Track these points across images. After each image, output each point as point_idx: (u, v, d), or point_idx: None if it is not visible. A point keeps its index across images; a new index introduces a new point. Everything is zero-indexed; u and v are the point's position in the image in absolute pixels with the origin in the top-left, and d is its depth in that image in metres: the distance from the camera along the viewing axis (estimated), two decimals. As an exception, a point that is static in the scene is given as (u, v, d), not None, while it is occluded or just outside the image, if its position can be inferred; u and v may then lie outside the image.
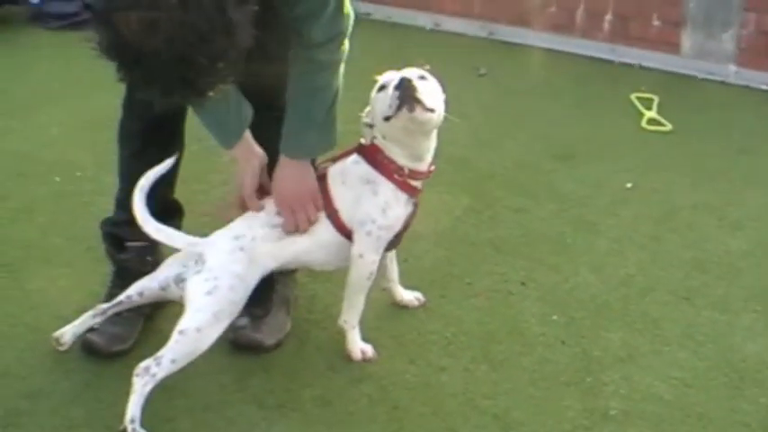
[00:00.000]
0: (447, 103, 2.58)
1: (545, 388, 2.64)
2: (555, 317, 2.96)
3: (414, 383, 2.64)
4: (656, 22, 5.46)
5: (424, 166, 2.62)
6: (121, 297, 2.59)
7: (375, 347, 2.73)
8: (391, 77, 2.53)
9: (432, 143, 2.62)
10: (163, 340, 2.45)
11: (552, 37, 5.75)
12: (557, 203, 3.70)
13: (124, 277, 2.73)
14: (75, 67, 4.97)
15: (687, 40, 5.32)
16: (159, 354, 2.38)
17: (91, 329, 2.64)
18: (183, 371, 2.41)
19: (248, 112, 2.60)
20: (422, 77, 2.54)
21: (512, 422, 2.50)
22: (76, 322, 2.62)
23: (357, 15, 2.57)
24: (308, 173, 2.62)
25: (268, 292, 2.71)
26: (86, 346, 2.66)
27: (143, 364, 2.37)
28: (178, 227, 2.89)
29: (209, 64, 2.06)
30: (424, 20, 6.14)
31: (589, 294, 3.08)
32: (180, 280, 2.51)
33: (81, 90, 4.70)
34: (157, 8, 1.97)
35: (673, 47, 5.37)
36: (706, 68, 5.24)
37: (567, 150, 4.21)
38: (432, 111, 2.49)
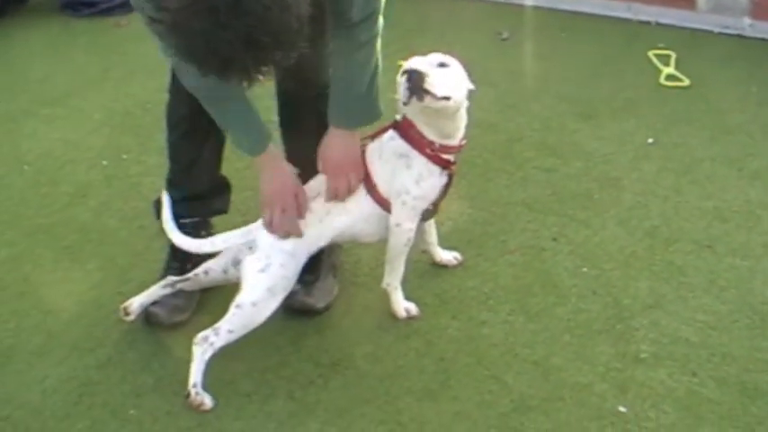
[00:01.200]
0: (473, 81, 2.63)
1: (579, 335, 2.73)
2: (585, 269, 3.04)
3: (457, 337, 2.74)
4: (671, -22, 5.32)
5: (454, 142, 2.69)
6: (190, 274, 2.72)
7: (419, 305, 2.83)
8: (413, 64, 2.55)
9: (460, 123, 2.68)
10: (218, 311, 2.57)
11: (570, -2, 5.68)
12: (583, 161, 3.73)
13: (180, 253, 2.81)
14: (111, 53, 5.02)
15: (702, -5, 5.28)
16: (217, 325, 2.51)
17: (153, 302, 2.76)
18: (241, 337, 2.53)
19: (268, 130, 2.70)
20: (442, 64, 2.58)
21: (550, 368, 2.61)
22: (145, 293, 2.74)
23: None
24: (352, 143, 2.70)
25: (317, 260, 2.79)
26: (149, 318, 2.78)
27: (202, 334, 2.50)
28: (227, 201, 3.03)
29: (273, 41, 2.06)
30: (444, -11, 6.10)
31: (617, 246, 3.15)
32: (237, 262, 2.63)
33: (118, 75, 4.74)
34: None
35: (688, 2, 5.22)
36: (722, 22, 5.11)
37: (590, 110, 4.19)
38: (446, 99, 2.53)
